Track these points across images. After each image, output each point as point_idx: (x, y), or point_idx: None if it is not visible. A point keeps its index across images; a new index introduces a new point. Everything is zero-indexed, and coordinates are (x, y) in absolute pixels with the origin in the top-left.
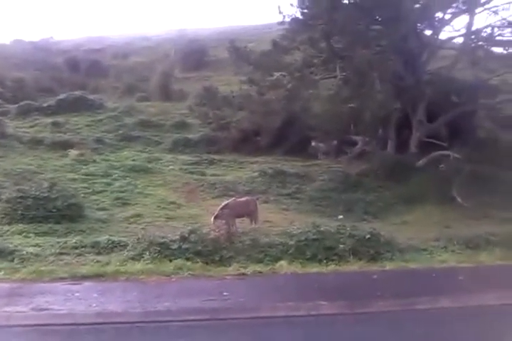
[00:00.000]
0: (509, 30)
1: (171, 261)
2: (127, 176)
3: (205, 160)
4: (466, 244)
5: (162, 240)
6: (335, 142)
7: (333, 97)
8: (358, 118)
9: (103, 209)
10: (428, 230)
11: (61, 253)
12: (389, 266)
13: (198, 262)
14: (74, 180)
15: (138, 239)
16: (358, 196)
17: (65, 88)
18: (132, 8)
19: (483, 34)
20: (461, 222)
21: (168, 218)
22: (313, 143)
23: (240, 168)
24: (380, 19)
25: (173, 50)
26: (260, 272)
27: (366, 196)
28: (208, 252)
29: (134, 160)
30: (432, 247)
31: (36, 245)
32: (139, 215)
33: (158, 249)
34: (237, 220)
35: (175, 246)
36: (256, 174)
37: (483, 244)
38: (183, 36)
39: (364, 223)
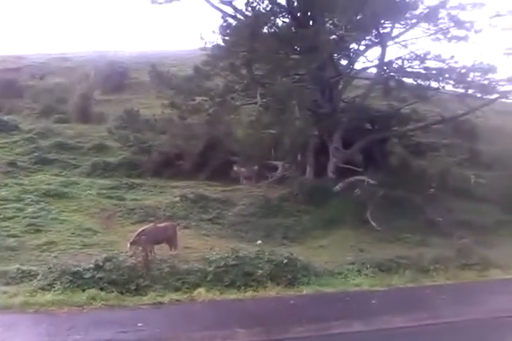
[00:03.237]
0: (417, 62)
1: (83, 290)
2: (41, 201)
3: (125, 184)
4: (379, 267)
5: (75, 269)
6: (256, 167)
7: (253, 123)
8: (278, 143)
9: (14, 236)
10: (343, 254)
11: None
12: (305, 290)
13: (112, 292)
14: None
15: (49, 268)
16: (277, 220)
17: None
18: (52, 27)
19: (395, 65)
20: (375, 246)
21: (83, 245)
22: (235, 168)
23: (161, 192)
24: (298, 49)
25: (93, 71)
26: (178, 300)
27: (285, 220)
28: (124, 281)
29: (48, 184)
30: (347, 271)
31: None
32: (52, 242)
33: (71, 278)
34: (157, 247)
35: (88, 275)
36: (177, 199)
37: (395, 267)
38: (103, 57)
39: (283, 248)
